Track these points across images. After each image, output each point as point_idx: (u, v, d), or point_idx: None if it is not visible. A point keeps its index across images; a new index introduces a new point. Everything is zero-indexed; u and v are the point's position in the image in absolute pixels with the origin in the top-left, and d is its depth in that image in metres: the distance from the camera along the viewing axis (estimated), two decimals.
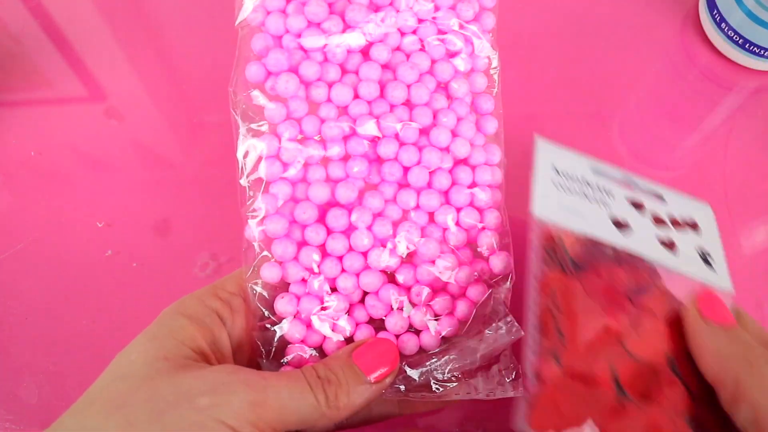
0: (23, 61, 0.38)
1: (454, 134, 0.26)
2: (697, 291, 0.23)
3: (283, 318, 0.24)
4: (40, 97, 0.37)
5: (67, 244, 0.33)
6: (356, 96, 0.25)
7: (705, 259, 0.26)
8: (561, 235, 0.24)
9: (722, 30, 0.36)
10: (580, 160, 0.27)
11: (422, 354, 0.25)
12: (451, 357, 0.24)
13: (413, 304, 0.25)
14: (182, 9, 0.40)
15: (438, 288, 0.25)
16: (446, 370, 0.24)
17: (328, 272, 0.24)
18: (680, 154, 0.36)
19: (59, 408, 0.30)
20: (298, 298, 0.24)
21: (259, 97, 0.25)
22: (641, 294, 0.24)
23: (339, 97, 0.25)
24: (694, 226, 0.27)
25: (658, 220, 0.26)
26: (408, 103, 0.26)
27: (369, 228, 0.25)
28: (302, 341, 0.24)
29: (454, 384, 0.24)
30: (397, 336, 0.25)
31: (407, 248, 0.25)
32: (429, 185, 0.26)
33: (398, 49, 0.26)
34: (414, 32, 0.26)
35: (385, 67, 0.26)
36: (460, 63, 0.27)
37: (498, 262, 0.26)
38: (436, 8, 0.27)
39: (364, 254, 0.25)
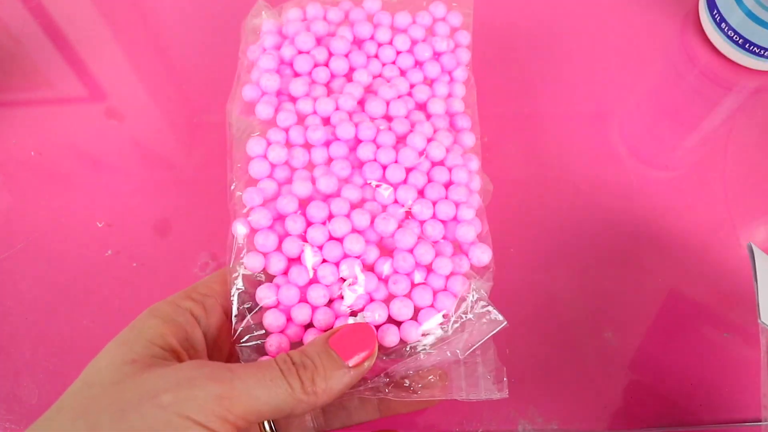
0: (23, 61, 0.38)
1: (430, 140, 0.27)
2: None
3: (264, 307, 0.24)
4: (40, 97, 0.37)
5: (67, 244, 0.33)
6: (337, 108, 0.28)
7: None
8: None
9: (722, 30, 0.36)
10: None
11: (403, 349, 0.25)
12: (432, 351, 0.24)
13: (392, 295, 0.25)
14: (182, 9, 0.40)
15: (418, 282, 0.25)
16: (427, 366, 0.24)
17: (308, 261, 0.25)
18: (680, 154, 0.36)
19: None
20: (278, 287, 0.24)
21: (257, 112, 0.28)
22: None
23: (322, 107, 0.27)
24: None
25: None
26: (387, 117, 0.28)
27: (348, 216, 0.25)
28: (282, 332, 0.24)
29: (435, 383, 0.24)
30: (377, 327, 0.25)
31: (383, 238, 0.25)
32: (405, 182, 0.26)
33: (379, 75, 0.29)
34: (393, 62, 0.30)
35: (367, 90, 0.29)
36: (438, 87, 0.29)
37: (479, 255, 0.26)
38: (413, 42, 0.30)
39: (341, 241, 0.25)
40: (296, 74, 0.29)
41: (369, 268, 0.25)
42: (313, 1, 0.30)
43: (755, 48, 0.36)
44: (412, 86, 0.29)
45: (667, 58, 0.38)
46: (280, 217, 0.26)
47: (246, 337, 0.24)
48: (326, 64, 0.29)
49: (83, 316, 0.32)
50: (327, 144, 0.27)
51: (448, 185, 0.27)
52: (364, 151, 0.27)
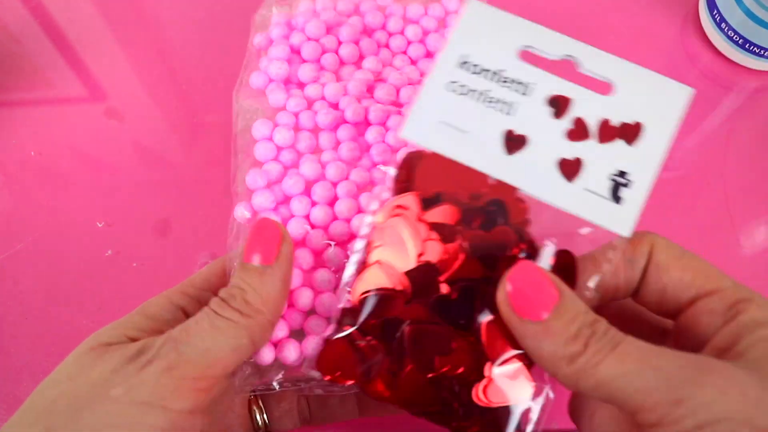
0: (23, 61, 0.38)
1: None
2: (507, 279, 0.19)
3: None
4: (40, 97, 0.37)
5: (67, 244, 0.33)
6: (346, 93, 0.27)
7: (617, 186, 0.21)
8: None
9: (722, 30, 0.36)
10: (512, 37, 0.22)
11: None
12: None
13: None
14: (182, 8, 0.40)
15: None
16: None
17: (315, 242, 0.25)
18: (680, 154, 0.36)
19: None
20: None
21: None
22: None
23: (330, 91, 0.27)
24: (635, 131, 0.21)
25: (578, 128, 0.21)
26: (396, 104, 0.27)
27: (356, 197, 0.25)
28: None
29: None
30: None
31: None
32: None
33: (390, 64, 0.29)
34: (404, 52, 0.30)
35: (377, 77, 0.28)
36: None
37: None
38: (425, 32, 0.30)
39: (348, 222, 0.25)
40: (304, 61, 0.28)
41: None
42: None
43: (755, 48, 0.35)
44: (422, 75, 0.29)
45: (667, 58, 0.38)
46: (284, 200, 0.25)
47: None
48: (336, 52, 0.29)
49: (83, 316, 0.32)
50: (335, 128, 0.27)
51: None
52: (372, 134, 0.26)
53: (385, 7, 0.31)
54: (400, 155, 0.23)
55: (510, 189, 0.21)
